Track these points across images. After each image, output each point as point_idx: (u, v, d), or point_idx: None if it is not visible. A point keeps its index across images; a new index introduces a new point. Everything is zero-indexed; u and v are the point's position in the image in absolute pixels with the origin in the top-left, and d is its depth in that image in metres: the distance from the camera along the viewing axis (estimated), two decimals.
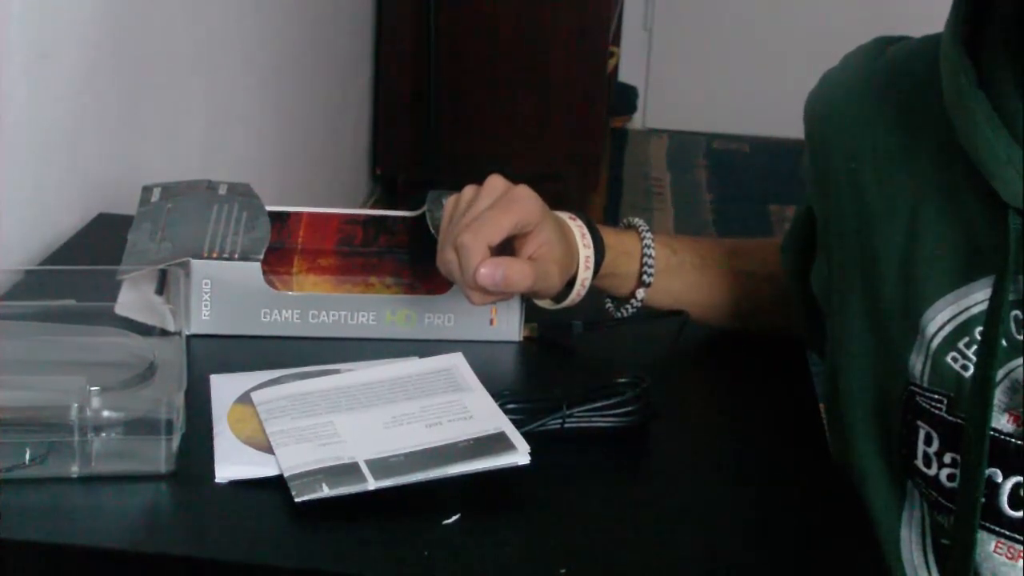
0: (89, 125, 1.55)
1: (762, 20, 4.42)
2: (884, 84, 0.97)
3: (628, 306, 1.16)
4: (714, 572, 0.90)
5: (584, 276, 1.11)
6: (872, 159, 0.96)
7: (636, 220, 1.17)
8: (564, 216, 1.12)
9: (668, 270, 1.16)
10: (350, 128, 3.33)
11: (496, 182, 1.07)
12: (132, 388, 0.97)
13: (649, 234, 1.15)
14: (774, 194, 4.06)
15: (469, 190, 1.08)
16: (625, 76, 4.43)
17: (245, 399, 1.03)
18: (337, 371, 1.08)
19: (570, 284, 1.11)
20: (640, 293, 1.15)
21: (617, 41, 4.22)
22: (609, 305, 1.18)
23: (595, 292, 1.16)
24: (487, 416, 0.98)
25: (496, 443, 0.95)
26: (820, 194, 1.02)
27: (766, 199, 4.03)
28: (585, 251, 1.11)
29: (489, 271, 1.02)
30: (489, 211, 1.04)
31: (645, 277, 1.14)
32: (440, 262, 1.07)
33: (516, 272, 1.03)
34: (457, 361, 1.08)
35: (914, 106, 0.94)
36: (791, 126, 4.91)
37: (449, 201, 1.09)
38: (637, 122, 4.53)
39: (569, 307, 1.13)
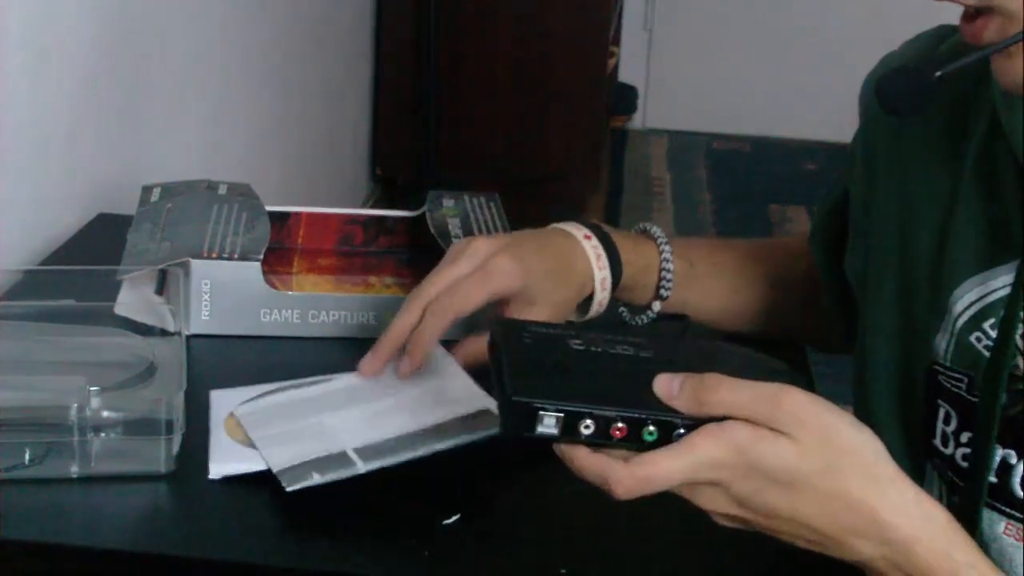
0: (89, 125, 1.55)
1: (762, 20, 4.42)
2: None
3: (643, 316, 1.17)
4: (714, 570, 0.90)
5: (601, 297, 1.11)
6: (922, 141, 0.98)
7: (654, 229, 1.16)
8: (579, 235, 1.11)
9: (685, 282, 1.16)
10: (350, 128, 3.33)
11: (478, 247, 1.05)
12: (132, 388, 0.97)
13: (667, 247, 1.15)
14: (774, 194, 4.06)
15: (452, 252, 1.06)
16: (625, 76, 4.43)
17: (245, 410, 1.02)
18: (329, 380, 1.07)
19: (589, 298, 1.11)
20: (656, 306, 1.15)
21: (617, 41, 4.22)
22: (624, 312, 1.18)
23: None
24: (470, 397, 0.99)
25: (481, 419, 0.95)
26: (866, 173, 1.04)
27: (766, 199, 4.04)
28: (600, 273, 1.11)
29: (408, 366, 1.02)
30: (464, 281, 1.03)
31: (663, 291, 1.15)
32: (398, 317, 1.04)
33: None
34: (435, 350, 1.07)
35: (967, 92, 0.95)
36: (791, 126, 4.92)
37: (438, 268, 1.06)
38: (637, 122, 4.53)
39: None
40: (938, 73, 0.85)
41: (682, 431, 0.74)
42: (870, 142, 1.04)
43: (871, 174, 1.03)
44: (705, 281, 1.18)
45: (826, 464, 0.73)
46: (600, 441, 0.74)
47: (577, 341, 0.78)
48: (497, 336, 0.77)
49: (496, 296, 1.04)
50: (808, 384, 1.16)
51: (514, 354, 0.76)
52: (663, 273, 1.14)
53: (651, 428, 0.73)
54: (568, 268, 1.10)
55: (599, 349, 0.78)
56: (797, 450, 0.73)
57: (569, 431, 0.73)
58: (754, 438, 0.73)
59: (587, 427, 0.73)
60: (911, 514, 0.75)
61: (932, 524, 0.75)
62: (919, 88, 0.87)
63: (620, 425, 0.73)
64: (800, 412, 0.74)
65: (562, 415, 0.73)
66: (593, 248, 1.11)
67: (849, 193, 1.07)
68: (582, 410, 0.73)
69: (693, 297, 1.17)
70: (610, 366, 0.77)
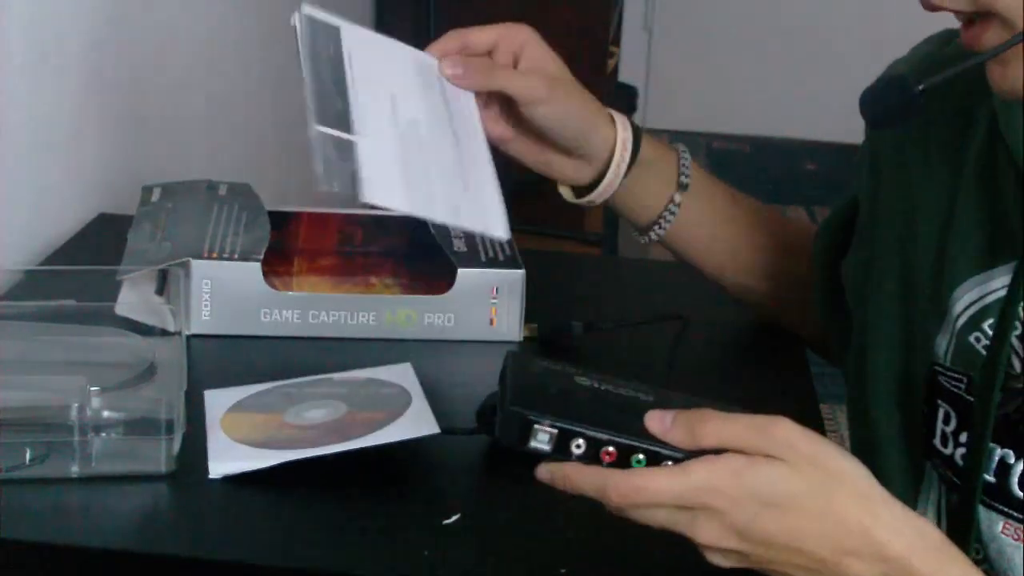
0: (89, 125, 1.55)
1: (762, 20, 4.42)
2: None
3: (667, 212, 1.15)
4: (714, 571, 0.90)
5: (619, 159, 1.11)
6: (924, 144, 0.98)
7: (680, 144, 1.18)
8: (613, 111, 1.14)
9: (698, 193, 1.16)
10: None
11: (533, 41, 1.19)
12: (132, 388, 0.97)
13: (687, 154, 1.16)
14: (774, 194, 4.06)
15: None
16: (625, 76, 4.42)
17: (237, 407, 1.02)
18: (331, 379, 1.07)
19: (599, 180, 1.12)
20: (677, 197, 1.15)
21: (617, 41, 4.21)
22: (635, 233, 1.18)
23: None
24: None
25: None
26: (871, 179, 1.04)
27: (766, 199, 4.02)
28: (624, 134, 1.12)
29: (451, 64, 1.14)
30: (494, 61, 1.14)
31: (682, 179, 1.15)
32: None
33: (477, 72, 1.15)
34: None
35: (968, 95, 0.96)
36: (791, 126, 4.90)
37: None
38: (637, 122, 4.52)
39: (592, 204, 1.13)
40: (920, 87, 0.85)
41: (670, 464, 0.75)
42: (875, 147, 1.05)
43: (876, 179, 1.04)
44: (719, 203, 1.19)
45: (820, 487, 0.74)
46: (588, 464, 0.76)
47: (583, 378, 0.81)
48: (507, 364, 0.80)
49: (517, 42, 1.21)
50: (807, 385, 1.16)
51: (521, 377, 0.79)
52: (682, 166, 1.15)
53: (640, 456, 0.76)
54: (595, 108, 1.14)
55: (602, 387, 0.80)
56: (791, 474, 0.74)
57: (560, 449, 0.76)
58: (748, 463, 0.74)
59: (578, 447, 0.75)
60: (904, 532, 0.75)
61: (925, 540, 0.75)
62: (902, 101, 0.87)
63: (611, 449, 0.75)
64: (791, 439, 0.75)
65: (555, 431, 0.75)
66: (621, 120, 1.14)
67: (858, 200, 1.07)
68: (575, 429, 0.75)
69: (704, 218, 1.17)
70: (610, 401, 0.79)
